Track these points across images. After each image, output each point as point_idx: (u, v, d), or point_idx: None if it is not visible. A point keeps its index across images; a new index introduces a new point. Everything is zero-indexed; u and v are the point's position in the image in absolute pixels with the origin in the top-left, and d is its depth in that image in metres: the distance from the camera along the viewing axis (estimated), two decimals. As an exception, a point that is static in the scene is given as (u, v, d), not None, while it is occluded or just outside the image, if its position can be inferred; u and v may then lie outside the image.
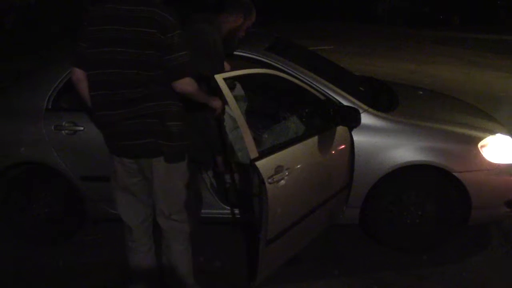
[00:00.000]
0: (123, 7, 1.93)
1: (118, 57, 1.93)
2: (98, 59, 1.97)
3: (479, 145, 2.72)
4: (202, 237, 2.64)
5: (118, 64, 1.94)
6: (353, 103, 2.74)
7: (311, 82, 2.73)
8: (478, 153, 2.70)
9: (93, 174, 2.79)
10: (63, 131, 2.74)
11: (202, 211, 2.87)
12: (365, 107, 2.76)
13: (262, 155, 2.13)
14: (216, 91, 2.18)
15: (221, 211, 2.92)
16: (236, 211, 2.92)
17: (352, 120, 2.59)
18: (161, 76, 1.96)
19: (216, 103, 2.30)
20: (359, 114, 2.60)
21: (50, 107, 2.78)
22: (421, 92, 3.97)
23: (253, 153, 2.10)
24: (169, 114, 2.02)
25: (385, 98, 3.22)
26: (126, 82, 1.95)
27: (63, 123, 2.73)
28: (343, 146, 2.63)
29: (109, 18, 1.94)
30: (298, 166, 2.31)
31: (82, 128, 2.72)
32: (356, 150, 2.65)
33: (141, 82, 1.95)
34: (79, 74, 2.06)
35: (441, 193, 2.76)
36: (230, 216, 2.91)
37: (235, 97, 2.18)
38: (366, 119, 2.68)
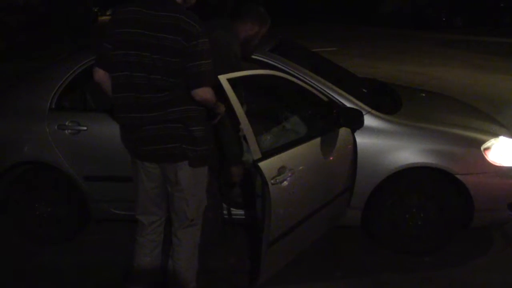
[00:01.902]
0: (149, 11, 1.92)
1: (144, 61, 1.92)
2: (123, 61, 1.95)
3: (482, 147, 2.71)
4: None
5: (144, 68, 1.93)
6: (356, 104, 2.74)
7: (314, 84, 2.73)
8: (481, 156, 2.69)
9: (96, 174, 2.81)
10: (66, 131, 2.74)
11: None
12: (368, 108, 2.76)
13: (265, 156, 2.13)
14: (220, 95, 2.16)
15: (224, 211, 2.92)
16: (239, 211, 2.92)
17: (355, 121, 2.59)
18: (185, 82, 1.95)
19: (221, 109, 2.26)
20: (362, 116, 2.60)
21: (53, 106, 2.79)
22: (424, 94, 3.96)
23: (256, 154, 2.10)
24: (193, 119, 2.02)
25: (388, 100, 3.22)
26: (151, 86, 1.94)
27: (67, 123, 2.74)
28: (345, 148, 2.63)
29: (135, 21, 1.93)
30: (301, 167, 2.31)
31: (85, 128, 2.73)
32: (358, 151, 2.65)
33: (166, 87, 1.94)
34: (101, 75, 2.05)
35: (444, 195, 2.75)
36: (233, 216, 2.92)
37: None
38: (369, 121, 2.68)
